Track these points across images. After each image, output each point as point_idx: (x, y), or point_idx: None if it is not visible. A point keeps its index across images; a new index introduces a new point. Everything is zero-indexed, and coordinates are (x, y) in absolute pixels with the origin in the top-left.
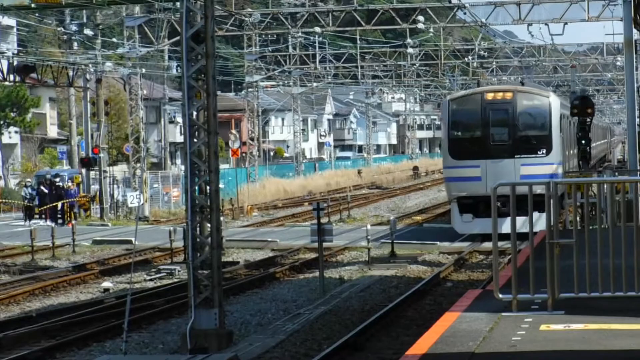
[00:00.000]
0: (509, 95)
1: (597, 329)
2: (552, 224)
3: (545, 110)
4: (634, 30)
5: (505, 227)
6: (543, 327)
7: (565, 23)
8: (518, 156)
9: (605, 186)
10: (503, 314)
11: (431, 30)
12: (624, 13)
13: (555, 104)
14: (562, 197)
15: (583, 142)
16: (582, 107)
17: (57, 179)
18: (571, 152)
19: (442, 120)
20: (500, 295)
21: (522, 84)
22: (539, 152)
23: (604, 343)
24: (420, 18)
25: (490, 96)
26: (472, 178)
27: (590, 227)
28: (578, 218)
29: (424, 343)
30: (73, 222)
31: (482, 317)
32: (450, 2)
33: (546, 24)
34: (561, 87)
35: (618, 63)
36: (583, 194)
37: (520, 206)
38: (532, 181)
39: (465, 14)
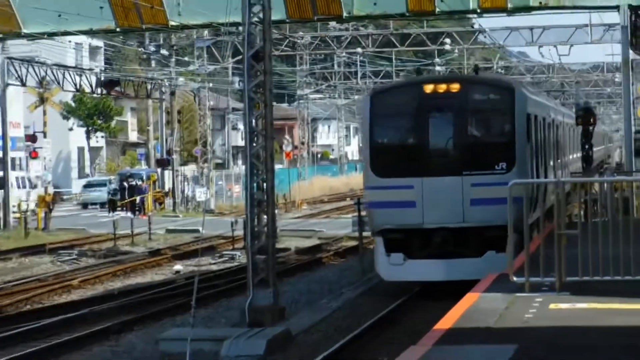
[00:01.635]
0: (455, 87)
1: (599, 308)
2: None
3: (506, 108)
4: (630, 52)
5: (452, 272)
6: (552, 306)
7: (571, 45)
8: (467, 172)
9: (605, 185)
10: (517, 294)
11: (456, 50)
12: (621, 37)
13: (521, 99)
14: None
15: (586, 147)
16: (585, 117)
17: (131, 178)
18: (549, 165)
19: (361, 122)
20: (515, 279)
21: (476, 72)
22: (496, 167)
23: (606, 320)
24: (447, 40)
25: (429, 89)
26: (403, 203)
27: (593, 220)
28: (582, 212)
29: (449, 319)
30: (149, 214)
31: (499, 297)
32: (472, 27)
33: (555, 46)
34: (567, 100)
35: (616, 79)
36: (586, 192)
37: (467, 245)
38: (547, 180)
39: (485, 37)
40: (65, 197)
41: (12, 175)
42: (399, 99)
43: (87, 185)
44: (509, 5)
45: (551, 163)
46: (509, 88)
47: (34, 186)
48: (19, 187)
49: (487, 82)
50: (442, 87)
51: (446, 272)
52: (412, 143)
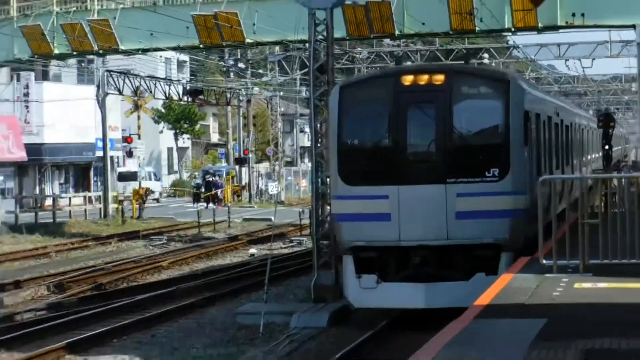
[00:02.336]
0: (439, 78)
1: (618, 287)
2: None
3: (499, 103)
4: None
5: (433, 298)
6: (576, 285)
7: (594, 59)
8: (452, 180)
9: (623, 180)
10: (546, 275)
11: (493, 64)
12: (637, 52)
13: (517, 94)
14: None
15: (606, 147)
16: (606, 121)
17: (208, 175)
18: (557, 169)
19: (329, 119)
20: (544, 261)
21: (466, 61)
22: (487, 174)
23: (623, 298)
24: (485, 55)
25: (408, 80)
26: (376, 216)
27: (612, 211)
28: (602, 204)
29: (487, 296)
30: (228, 204)
31: (530, 277)
32: (507, 43)
33: (579, 60)
34: (590, 107)
35: (633, 88)
36: (606, 186)
37: (451, 266)
38: (573, 176)
39: (519, 52)
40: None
41: (143, 169)
42: (373, 93)
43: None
44: (539, 25)
45: (559, 167)
46: (502, 80)
47: (157, 179)
48: (147, 180)
49: (477, 73)
50: (423, 79)
51: (427, 299)
52: (387, 145)
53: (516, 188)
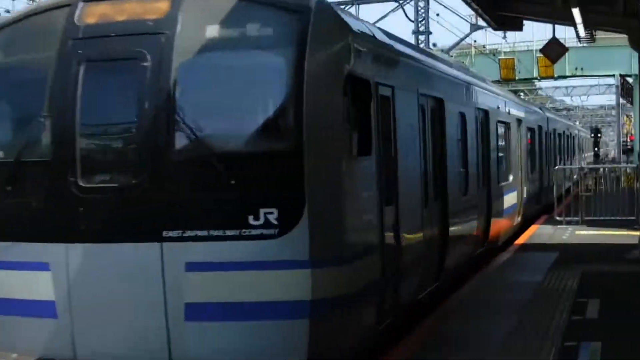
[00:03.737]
0: (157, 8)
1: (605, 234)
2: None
3: (283, 59)
4: (620, 99)
5: None
6: (577, 232)
7: (588, 95)
8: (175, 234)
9: (606, 169)
10: (559, 226)
11: (526, 100)
12: (616, 91)
13: (328, 34)
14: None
15: (595, 149)
16: (595, 133)
17: None
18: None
19: None
20: (557, 217)
21: None
22: (253, 222)
23: (609, 240)
24: (521, 94)
25: (92, 15)
26: (29, 307)
27: (599, 187)
28: (593, 183)
29: (523, 238)
30: None
31: (549, 227)
32: (535, 86)
33: (579, 96)
34: (585, 125)
35: (612, 113)
36: (596, 172)
37: None
38: (572, 166)
39: (542, 91)
40: None
41: None
42: (29, 44)
43: None
44: (555, 74)
45: (505, 179)
46: (296, 6)
47: None
48: None
49: None
50: (123, 10)
51: None
52: (41, 153)
53: (325, 250)
